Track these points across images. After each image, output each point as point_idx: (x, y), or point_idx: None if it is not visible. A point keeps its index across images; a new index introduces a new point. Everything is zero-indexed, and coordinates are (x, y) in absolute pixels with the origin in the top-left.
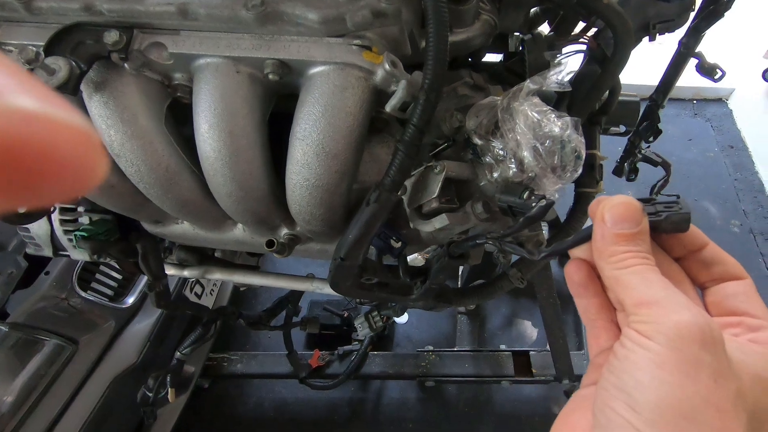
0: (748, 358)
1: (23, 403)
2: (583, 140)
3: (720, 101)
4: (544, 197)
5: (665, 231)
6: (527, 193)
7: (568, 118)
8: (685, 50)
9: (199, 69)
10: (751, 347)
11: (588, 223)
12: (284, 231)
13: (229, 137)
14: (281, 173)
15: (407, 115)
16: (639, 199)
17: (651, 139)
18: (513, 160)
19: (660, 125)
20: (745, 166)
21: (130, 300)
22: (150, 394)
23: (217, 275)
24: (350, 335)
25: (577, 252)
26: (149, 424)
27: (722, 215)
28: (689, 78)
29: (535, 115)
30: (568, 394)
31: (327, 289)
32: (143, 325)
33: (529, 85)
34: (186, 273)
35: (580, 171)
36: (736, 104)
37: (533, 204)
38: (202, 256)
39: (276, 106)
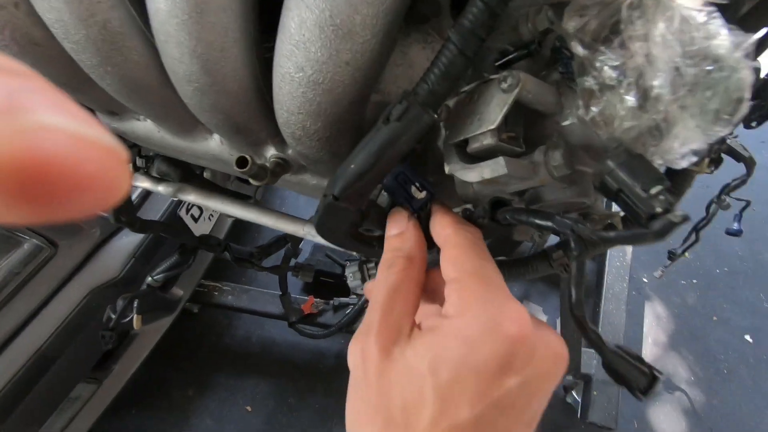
0: None
1: None
2: (753, 75)
3: None
4: (683, 215)
5: None
6: (659, 188)
7: (743, 34)
8: None
9: None
10: None
11: None
12: (271, 152)
13: None
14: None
15: None
16: None
17: (754, 124)
18: (633, 87)
19: None
20: None
21: None
22: (113, 317)
23: (191, 197)
24: (349, 287)
25: None
26: (107, 348)
27: None
28: None
29: (694, 16)
30: (567, 389)
31: (319, 237)
32: (131, 239)
33: None
34: (160, 188)
35: (737, 122)
36: None
37: (657, 208)
38: (186, 174)
39: None
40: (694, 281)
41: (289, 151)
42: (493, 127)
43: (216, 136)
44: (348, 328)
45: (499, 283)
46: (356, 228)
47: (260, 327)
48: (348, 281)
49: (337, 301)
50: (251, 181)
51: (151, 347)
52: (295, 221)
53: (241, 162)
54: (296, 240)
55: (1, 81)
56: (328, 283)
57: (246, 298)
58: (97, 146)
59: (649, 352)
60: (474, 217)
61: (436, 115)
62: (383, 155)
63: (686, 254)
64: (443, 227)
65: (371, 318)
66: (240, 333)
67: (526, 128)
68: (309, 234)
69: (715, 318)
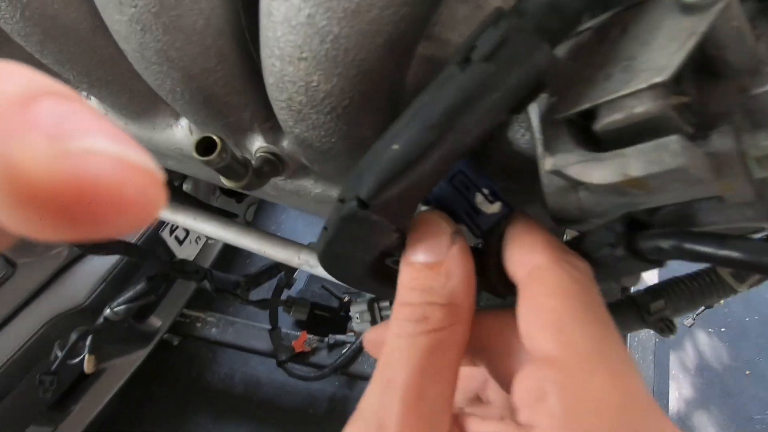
0: None
1: None
2: None
3: None
4: None
5: None
6: None
7: None
8: None
9: None
10: None
11: None
12: (258, 143)
13: None
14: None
15: None
16: None
17: None
18: None
19: None
20: None
21: None
22: (59, 355)
23: None
24: (346, 324)
25: None
26: (45, 397)
27: None
28: None
29: None
30: None
31: (321, 268)
32: (102, 261)
33: None
34: None
35: None
36: None
37: None
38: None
39: None
40: (723, 330)
41: (284, 143)
42: (663, 79)
43: (183, 123)
44: (344, 369)
45: (639, 383)
46: (384, 259)
47: (245, 364)
48: (353, 325)
49: (332, 338)
50: (222, 179)
51: (119, 385)
52: (287, 246)
53: (206, 145)
54: (291, 268)
55: (51, 106)
56: (323, 318)
57: (231, 332)
58: (138, 170)
59: (675, 407)
60: (591, 246)
61: (553, 55)
62: (458, 125)
63: (721, 301)
64: (532, 252)
65: (385, 409)
66: (223, 370)
67: (699, 96)
68: (306, 264)
69: (748, 372)
